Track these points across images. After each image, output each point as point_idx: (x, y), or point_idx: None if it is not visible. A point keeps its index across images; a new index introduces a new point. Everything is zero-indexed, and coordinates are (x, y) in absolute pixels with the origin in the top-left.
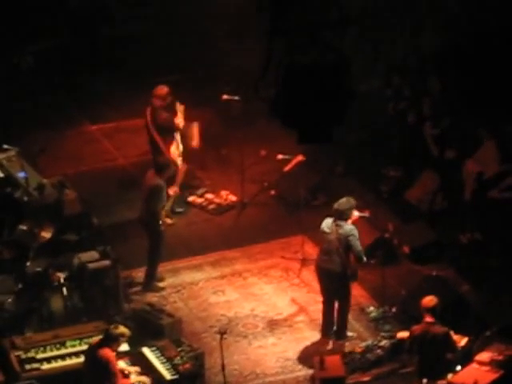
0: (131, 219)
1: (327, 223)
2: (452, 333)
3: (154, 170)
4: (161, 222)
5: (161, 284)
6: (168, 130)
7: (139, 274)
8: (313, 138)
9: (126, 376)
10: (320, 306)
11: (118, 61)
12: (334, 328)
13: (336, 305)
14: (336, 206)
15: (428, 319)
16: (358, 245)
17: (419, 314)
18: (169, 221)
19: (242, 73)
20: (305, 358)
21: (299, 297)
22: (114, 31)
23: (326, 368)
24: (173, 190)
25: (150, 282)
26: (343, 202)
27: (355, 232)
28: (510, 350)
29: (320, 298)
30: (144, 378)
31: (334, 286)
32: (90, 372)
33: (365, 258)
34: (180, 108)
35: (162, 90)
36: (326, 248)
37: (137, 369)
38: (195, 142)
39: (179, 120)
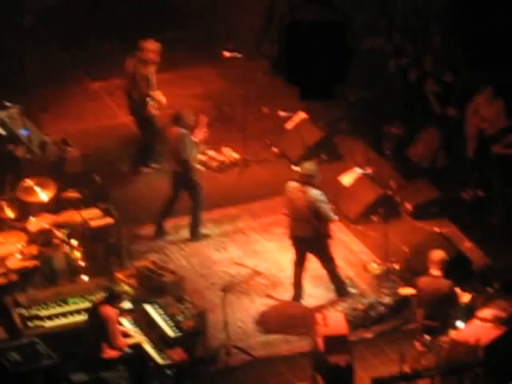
0: (133, 176)
1: (291, 189)
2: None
3: (173, 123)
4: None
5: (204, 231)
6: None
7: (142, 231)
8: (315, 94)
9: (127, 336)
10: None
11: (119, 18)
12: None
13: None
14: (303, 169)
15: (434, 272)
16: (326, 208)
17: (422, 271)
18: (198, 167)
19: (244, 30)
20: (307, 314)
21: None
22: None
23: (328, 325)
24: (196, 136)
25: (197, 231)
26: (310, 164)
27: (323, 197)
28: None
29: None
30: (141, 338)
31: (312, 250)
32: (92, 329)
33: (335, 216)
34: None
35: (155, 44)
36: (295, 215)
37: (136, 330)
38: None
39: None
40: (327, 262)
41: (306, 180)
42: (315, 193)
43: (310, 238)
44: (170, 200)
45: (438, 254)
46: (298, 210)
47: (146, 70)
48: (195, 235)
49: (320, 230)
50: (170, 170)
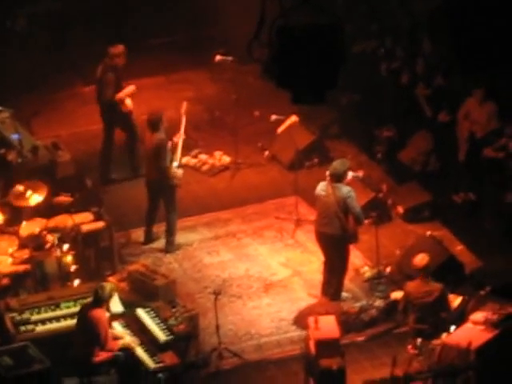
0: (125, 179)
1: (322, 187)
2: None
3: (151, 128)
4: (172, 177)
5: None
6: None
7: (134, 234)
8: (306, 98)
9: (117, 338)
10: (314, 267)
11: (112, 22)
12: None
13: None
14: (332, 168)
15: (421, 278)
16: (356, 206)
17: (413, 274)
18: (180, 172)
19: (236, 33)
20: (299, 318)
21: (293, 257)
22: None
23: (320, 329)
24: (177, 137)
25: (172, 240)
26: (338, 163)
27: (353, 194)
28: (505, 309)
29: (314, 259)
30: (132, 340)
31: (334, 248)
32: (81, 333)
33: (364, 219)
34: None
35: (120, 48)
36: (324, 212)
37: (127, 331)
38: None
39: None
40: (342, 264)
41: (337, 178)
42: (345, 189)
43: (337, 235)
44: (150, 210)
45: (418, 260)
46: (328, 206)
47: (113, 76)
48: (170, 244)
49: (347, 229)
50: (145, 179)
